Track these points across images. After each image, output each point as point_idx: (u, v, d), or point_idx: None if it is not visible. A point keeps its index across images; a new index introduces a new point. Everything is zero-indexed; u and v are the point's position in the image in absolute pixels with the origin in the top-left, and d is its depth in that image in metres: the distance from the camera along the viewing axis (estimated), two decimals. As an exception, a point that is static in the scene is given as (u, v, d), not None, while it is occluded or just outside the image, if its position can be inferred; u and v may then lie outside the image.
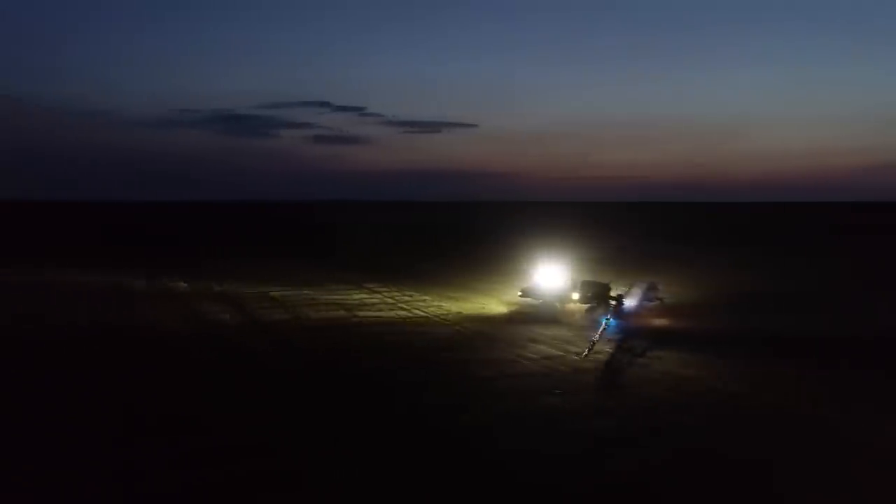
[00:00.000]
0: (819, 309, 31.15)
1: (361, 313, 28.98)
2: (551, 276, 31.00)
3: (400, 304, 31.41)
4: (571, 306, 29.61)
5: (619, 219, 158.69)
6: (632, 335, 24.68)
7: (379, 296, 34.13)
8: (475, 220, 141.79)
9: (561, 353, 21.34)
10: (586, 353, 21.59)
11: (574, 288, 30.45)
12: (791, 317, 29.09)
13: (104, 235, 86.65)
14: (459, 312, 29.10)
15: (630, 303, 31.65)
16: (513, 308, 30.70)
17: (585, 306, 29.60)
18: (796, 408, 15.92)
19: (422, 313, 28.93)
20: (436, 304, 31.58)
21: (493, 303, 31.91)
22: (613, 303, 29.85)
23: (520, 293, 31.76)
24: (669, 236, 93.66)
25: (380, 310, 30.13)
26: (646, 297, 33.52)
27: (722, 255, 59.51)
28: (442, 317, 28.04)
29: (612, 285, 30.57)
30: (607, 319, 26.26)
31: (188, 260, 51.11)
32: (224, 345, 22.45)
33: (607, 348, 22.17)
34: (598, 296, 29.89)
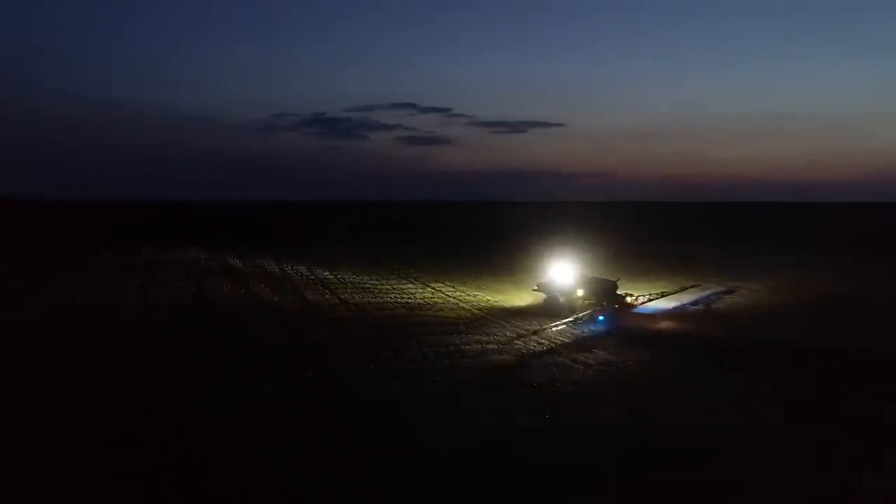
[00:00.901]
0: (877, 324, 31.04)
1: (422, 312, 33.77)
2: (562, 272, 33.98)
3: (462, 303, 36.33)
4: (577, 301, 32.97)
5: (720, 221, 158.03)
6: (609, 331, 28.40)
7: (442, 294, 39.62)
8: (548, 220, 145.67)
9: (505, 338, 26.95)
10: (512, 338, 26.00)
11: (581, 284, 33.47)
12: (845, 330, 29.38)
13: (214, 230, 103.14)
14: (495, 304, 35.74)
15: (668, 304, 33.90)
16: (530, 302, 35.72)
17: (587, 301, 32.67)
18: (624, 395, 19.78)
19: (478, 310, 34.04)
20: (482, 296, 38.33)
21: (524, 295, 37.91)
22: (619, 300, 32.76)
23: (535, 288, 35.67)
24: (768, 238, 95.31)
25: (440, 309, 34.51)
26: (694, 301, 35.57)
27: (840, 260, 60.44)
28: (479, 307, 34.70)
29: (618, 283, 33.83)
30: (579, 316, 29.92)
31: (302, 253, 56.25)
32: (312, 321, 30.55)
33: (552, 339, 26.60)
34: (600, 292, 32.94)
